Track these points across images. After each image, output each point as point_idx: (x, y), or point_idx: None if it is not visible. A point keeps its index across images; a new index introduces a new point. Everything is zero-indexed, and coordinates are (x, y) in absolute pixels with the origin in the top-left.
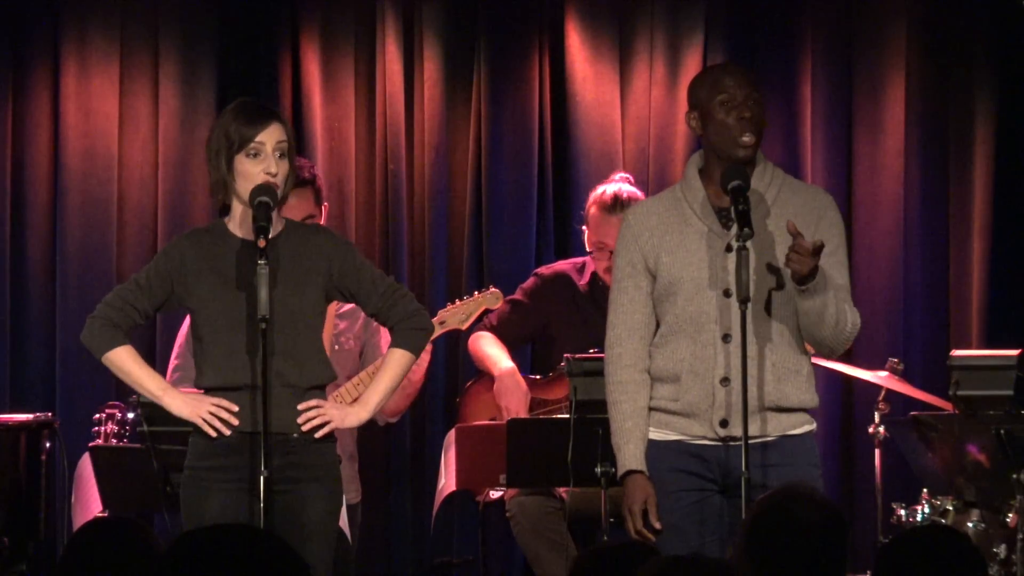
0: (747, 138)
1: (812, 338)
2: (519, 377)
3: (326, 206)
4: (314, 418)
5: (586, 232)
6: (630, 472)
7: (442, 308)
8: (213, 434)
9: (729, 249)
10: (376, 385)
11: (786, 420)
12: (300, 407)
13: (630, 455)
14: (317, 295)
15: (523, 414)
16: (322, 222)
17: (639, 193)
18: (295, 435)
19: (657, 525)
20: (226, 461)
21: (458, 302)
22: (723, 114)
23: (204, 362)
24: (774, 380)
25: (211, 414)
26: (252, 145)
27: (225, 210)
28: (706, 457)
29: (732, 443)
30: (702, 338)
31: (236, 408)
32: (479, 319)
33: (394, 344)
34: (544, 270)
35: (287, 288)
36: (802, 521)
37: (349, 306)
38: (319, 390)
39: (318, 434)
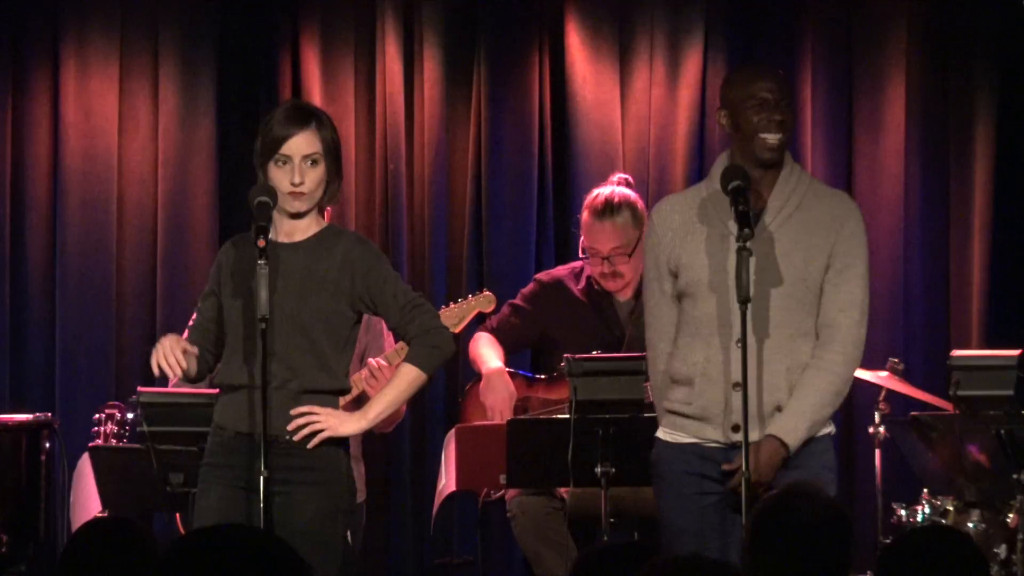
0: (774, 139)
1: None
2: (506, 378)
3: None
4: (305, 425)
5: (580, 237)
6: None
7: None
8: (156, 373)
9: (749, 253)
10: (380, 396)
11: None
12: (292, 412)
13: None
14: (327, 302)
15: (507, 414)
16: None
17: (632, 195)
18: (286, 438)
19: None
20: (224, 460)
21: (452, 305)
22: (754, 114)
23: (222, 360)
24: (786, 385)
25: (163, 356)
26: (279, 155)
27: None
28: (719, 460)
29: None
30: (717, 342)
31: (193, 350)
32: (472, 322)
33: (407, 358)
34: (543, 276)
35: (291, 292)
36: (805, 520)
37: None
38: (318, 395)
39: (311, 444)
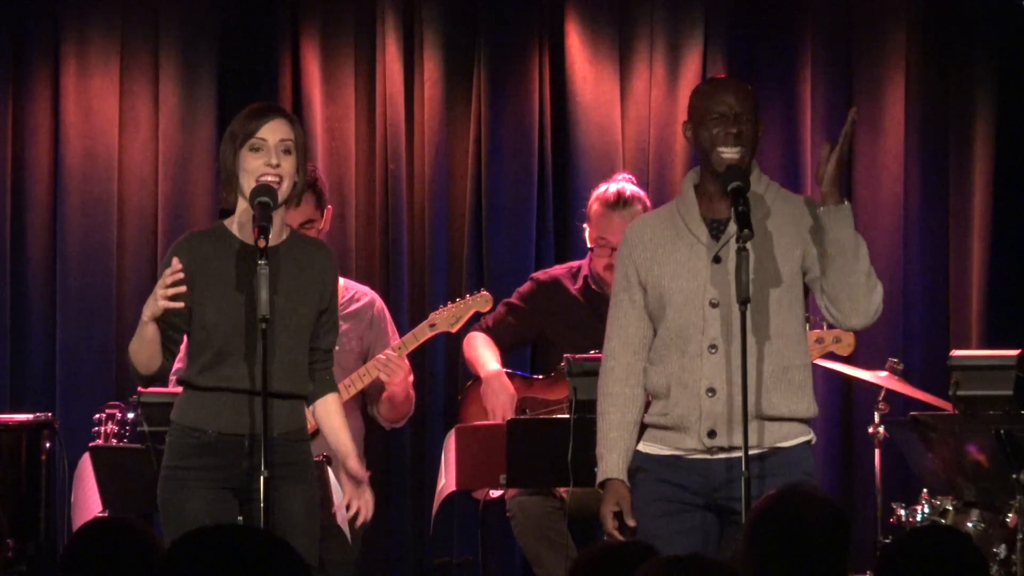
0: (730, 152)
1: (846, 285)
2: (505, 380)
3: (329, 209)
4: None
5: (587, 229)
6: (608, 479)
7: (435, 310)
8: (171, 305)
9: (717, 260)
10: (344, 441)
11: (777, 431)
12: (346, 513)
13: (612, 464)
14: (310, 308)
15: (509, 416)
16: (325, 226)
17: (641, 192)
18: (274, 435)
19: (631, 523)
20: (205, 461)
21: (449, 305)
22: (712, 127)
23: (194, 361)
24: (762, 389)
25: (164, 296)
26: (255, 139)
27: (227, 213)
28: (699, 472)
29: (721, 454)
30: (689, 349)
31: (181, 275)
32: (469, 322)
33: (327, 389)
34: (540, 275)
35: (280, 296)
36: (804, 520)
37: (353, 307)
38: (296, 399)
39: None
